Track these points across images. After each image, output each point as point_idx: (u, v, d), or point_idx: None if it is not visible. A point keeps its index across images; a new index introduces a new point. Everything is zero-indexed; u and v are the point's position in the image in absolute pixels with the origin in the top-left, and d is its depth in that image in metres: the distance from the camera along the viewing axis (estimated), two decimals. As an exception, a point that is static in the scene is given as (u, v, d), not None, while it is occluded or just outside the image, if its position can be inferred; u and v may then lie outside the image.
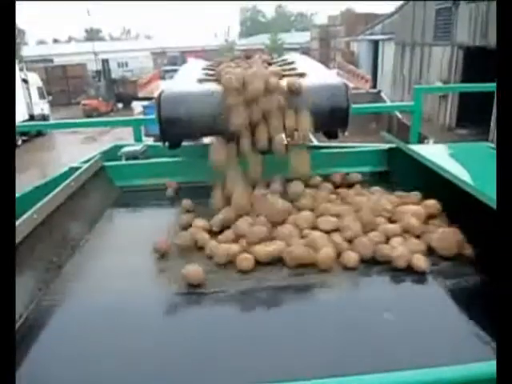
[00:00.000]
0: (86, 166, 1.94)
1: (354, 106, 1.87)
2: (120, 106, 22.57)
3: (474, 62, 12.13)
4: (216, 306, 1.22)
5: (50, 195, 1.52)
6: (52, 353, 1.04)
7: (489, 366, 0.73)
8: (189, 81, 2.02)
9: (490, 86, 3.28)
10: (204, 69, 2.31)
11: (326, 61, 21.05)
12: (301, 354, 1.02)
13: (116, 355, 1.02)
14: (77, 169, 1.88)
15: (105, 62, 23.06)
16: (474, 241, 1.38)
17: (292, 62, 2.42)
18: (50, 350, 1.05)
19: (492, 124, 11.17)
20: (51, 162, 12.32)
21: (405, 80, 16.79)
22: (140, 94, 19.78)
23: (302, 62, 2.38)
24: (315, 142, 5.01)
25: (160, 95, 1.80)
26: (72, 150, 11.76)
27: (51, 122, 12.84)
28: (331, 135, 2.06)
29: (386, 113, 8.38)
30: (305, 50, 25.17)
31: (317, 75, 2.01)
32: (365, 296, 1.26)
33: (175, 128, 1.81)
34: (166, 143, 1.92)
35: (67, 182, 1.68)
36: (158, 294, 1.28)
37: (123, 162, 2.26)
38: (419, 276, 1.29)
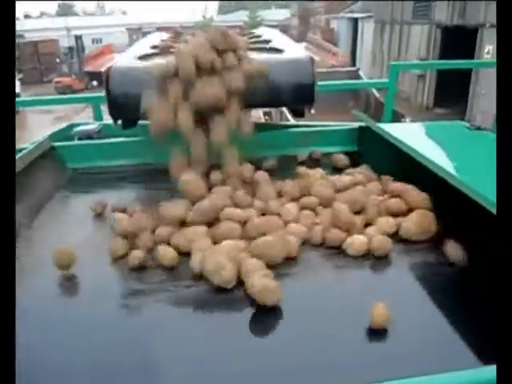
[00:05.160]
0: (32, 146, 1.79)
1: (328, 82, 1.76)
2: (95, 83, 21.91)
3: (452, 42, 12.07)
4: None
5: None
6: None
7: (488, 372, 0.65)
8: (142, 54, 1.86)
9: (467, 63, 3.26)
10: (162, 41, 2.14)
11: (304, 38, 20.71)
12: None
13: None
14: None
15: (78, 38, 22.23)
16: (448, 225, 1.31)
17: (259, 36, 2.31)
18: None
19: (468, 103, 11.21)
20: (22, 142, 11.87)
21: (384, 59, 16.66)
22: (87, 68, 19.04)
23: (270, 36, 2.25)
24: (292, 121, 4.91)
25: (109, 69, 1.64)
26: (45, 130, 11.28)
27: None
28: (297, 113, 1.94)
29: (363, 91, 8.27)
30: (283, 28, 24.78)
31: (282, 49, 1.88)
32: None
33: (125, 105, 1.65)
34: (119, 122, 1.76)
35: None
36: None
37: (75, 142, 2.10)
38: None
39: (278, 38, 2.22)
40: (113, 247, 1.27)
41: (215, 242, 1.26)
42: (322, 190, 1.46)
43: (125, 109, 1.67)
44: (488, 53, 9.75)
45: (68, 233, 1.44)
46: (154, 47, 2.00)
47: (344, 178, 1.58)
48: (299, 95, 1.70)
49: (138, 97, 1.60)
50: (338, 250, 1.29)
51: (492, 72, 8.06)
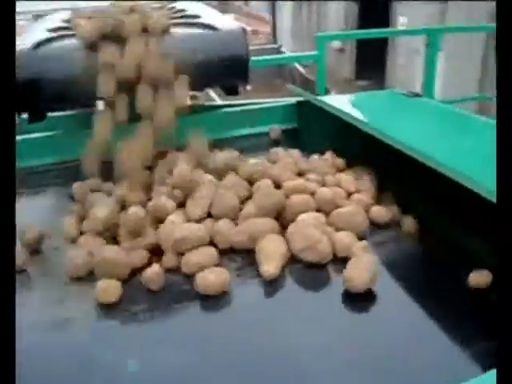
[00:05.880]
0: None
1: (254, 58, 1.62)
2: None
3: (368, 15, 12.38)
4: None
5: None
6: None
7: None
8: (45, 34, 1.59)
9: (386, 32, 3.28)
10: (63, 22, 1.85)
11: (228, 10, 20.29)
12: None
13: None
14: None
15: None
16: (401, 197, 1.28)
17: (183, 10, 2.10)
18: None
19: (387, 74, 11.59)
20: None
21: (304, 36, 16.79)
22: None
23: (194, 8, 2.06)
24: (218, 101, 4.73)
25: None
26: None
27: None
28: (231, 91, 1.78)
29: (287, 68, 8.25)
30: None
31: (210, 21, 1.70)
32: None
33: (26, 93, 1.40)
34: (24, 115, 1.52)
35: None
36: None
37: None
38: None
39: (203, 11, 2.04)
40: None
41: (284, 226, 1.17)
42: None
43: (25, 98, 1.42)
44: (402, 24, 10.08)
45: None
46: (53, 29, 1.71)
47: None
48: (232, 70, 1.55)
49: (42, 84, 1.37)
50: None
51: (406, 42, 8.35)
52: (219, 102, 4.26)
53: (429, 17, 6.57)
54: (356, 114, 1.50)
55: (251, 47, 1.60)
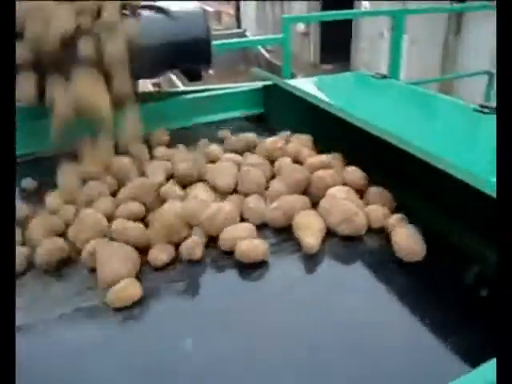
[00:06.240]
0: None
1: (218, 41, 1.54)
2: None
3: (332, 4, 12.36)
4: None
5: None
6: None
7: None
8: None
9: (353, 13, 3.25)
10: None
11: None
12: None
13: None
14: None
15: None
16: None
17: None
18: None
19: (351, 58, 11.64)
20: None
21: (268, 20, 16.63)
22: None
23: None
24: (181, 87, 4.59)
25: None
26: None
27: None
28: (193, 76, 1.69)
29: (252, 53, 8.15)
30: None
31: (167, 3, 1.60)
32: None
33: None
34: None
35: None
36: None
37: None
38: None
39: None
40: None
41: None
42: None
43: None
44: (366, 8, 10.11)
45: None
46: None
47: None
48: (193, 53, 1.46)
49: None
50: None
51: (370, 26, 8.39)
52: (182, 88, 4.14)
53: (392, 5, 6.58)
54: (325, 96, 1.45)
55: (215, 32, 1.52)
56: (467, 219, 1.02)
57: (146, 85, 7.41)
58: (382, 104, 1.49)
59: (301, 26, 12.07)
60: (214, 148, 1.43)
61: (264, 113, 1.86)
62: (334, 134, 1.36)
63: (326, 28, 11.73)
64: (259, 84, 1.86)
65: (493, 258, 0.89)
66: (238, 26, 17.32)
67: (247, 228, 1.07)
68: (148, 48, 1.36)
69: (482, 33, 5.40)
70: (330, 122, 1.34)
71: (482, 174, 0.87)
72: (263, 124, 1.78)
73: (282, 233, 1.11)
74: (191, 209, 1.07)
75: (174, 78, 5.51)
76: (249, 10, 18.58)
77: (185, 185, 1.26)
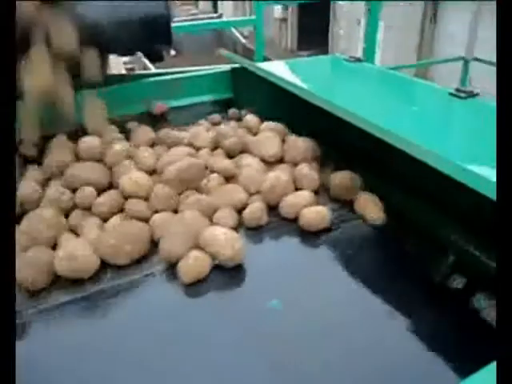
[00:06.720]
0: None
1: (191, 22, 1.47)
2: None
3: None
4: None
5: None
6: None
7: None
8: None
9: None
10: None
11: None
12: None
13: None
14: None
15: None
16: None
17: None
18: None
19: (329, 44, 11.59)
20: None
21: (245, 4, 16.39)
22: None
23: None
24: (153, 70, 4.46)
25: None
26: None
27: None
28: (154, 57, 1.59)
29: (229, 39, 8.01)
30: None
31: None
32: None
33: None
34: None
35: None
36: None
37: None
38: None
39: None
40: None
41: None
42: None
43: None
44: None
45: None
46: None
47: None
48: (152, 32, 1.37)
49: None
50: None
51: (348, 12, 8.35)
52: (154, 70, 4.03)
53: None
54: (297, 80, 1.39)
55: (190, 16, 1.44)
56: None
57: (119, 68, 7.23)
58: (353, 87, 1.44)
59: (278, 11, 11.90)
60: (253, 119, 1.46)
61: (232, 98, 1.79)
62: (304, 118, 1.31)
63: (304, 14, 11.62)
64: (227, 66, 1.79)
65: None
66: (215, 12, 17.07)
67: (308, 195, 1.12)
68: (103, 28, 1.27)
69: (458, 20, 5.41)
70: (300, 106, 1.29)
71: (455, 159, 0.84)
72: (232, 106, 1.72)
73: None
74: (250, 176, 1.15)
75: (147, 61, 5.36)
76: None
77: (232, 156, 1.32)
